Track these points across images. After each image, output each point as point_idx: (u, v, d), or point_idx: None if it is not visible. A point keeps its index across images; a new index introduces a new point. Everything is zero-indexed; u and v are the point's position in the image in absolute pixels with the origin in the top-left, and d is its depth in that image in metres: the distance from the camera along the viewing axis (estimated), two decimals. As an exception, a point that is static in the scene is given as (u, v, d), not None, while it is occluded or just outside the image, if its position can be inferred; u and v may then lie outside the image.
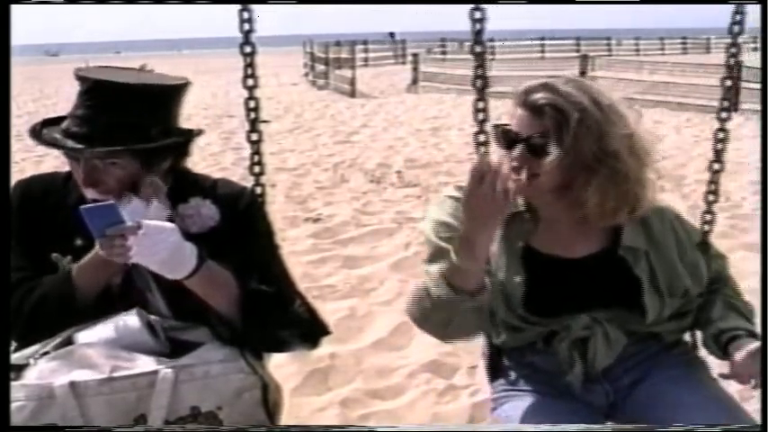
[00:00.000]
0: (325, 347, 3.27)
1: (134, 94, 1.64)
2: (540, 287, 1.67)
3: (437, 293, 1.54)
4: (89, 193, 1.65)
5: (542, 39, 32.30)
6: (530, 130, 1.57)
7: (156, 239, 1.51)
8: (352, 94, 17.48)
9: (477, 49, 1.76)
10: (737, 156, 8.37)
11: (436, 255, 1.64)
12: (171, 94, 1.70)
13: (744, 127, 10.90)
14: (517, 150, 1.58)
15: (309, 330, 1.74)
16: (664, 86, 15.11)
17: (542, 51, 30.57)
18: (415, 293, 1.60)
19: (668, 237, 1.72)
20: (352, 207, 6.44)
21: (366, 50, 27.94)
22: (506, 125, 1.63)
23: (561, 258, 1.69)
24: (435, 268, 1.58)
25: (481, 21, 1.72)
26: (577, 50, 27.13)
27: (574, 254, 1.69)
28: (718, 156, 1.87)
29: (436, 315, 1.58)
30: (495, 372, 1.87)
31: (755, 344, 1.63)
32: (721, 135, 1.86)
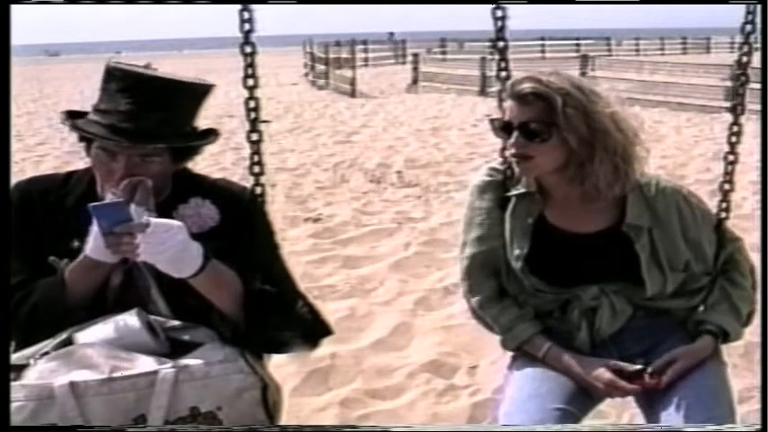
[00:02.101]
0: (326, 347, 3.26)
1: (180, 91, 1.68)
2: (552, 259, 1.84)
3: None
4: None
5: (542, 39, 32.24)
6: (521, 117, 1.73)
7: (163, 238, 1.52)
8: (353, 94, 17.47)
9: (500, 45, 1.92)
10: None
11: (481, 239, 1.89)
12: (206, 93, 1.74)
13: (744, 127, 10.88)
14: (514, 137, 1.73)
15: (311, 331, 1.74)
16: (664, 86, 15.11)
17: (542, 51, 30.52)
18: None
19: (672, 215, 1.84)
20: (352, 207, 6.44)
21: (366, 50, 27.88)
22: (500, 118, 1.81)
23: (572, 233, 1.84)
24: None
25: (503, 18, 1.88)
26: (577, 50, 27.11)
27: (583, 229, 1.84)
28: (733, 148, 2.02)
29: None
30: None
31: (667, 355, 1.76)
32: (735, 129, 2.02)
